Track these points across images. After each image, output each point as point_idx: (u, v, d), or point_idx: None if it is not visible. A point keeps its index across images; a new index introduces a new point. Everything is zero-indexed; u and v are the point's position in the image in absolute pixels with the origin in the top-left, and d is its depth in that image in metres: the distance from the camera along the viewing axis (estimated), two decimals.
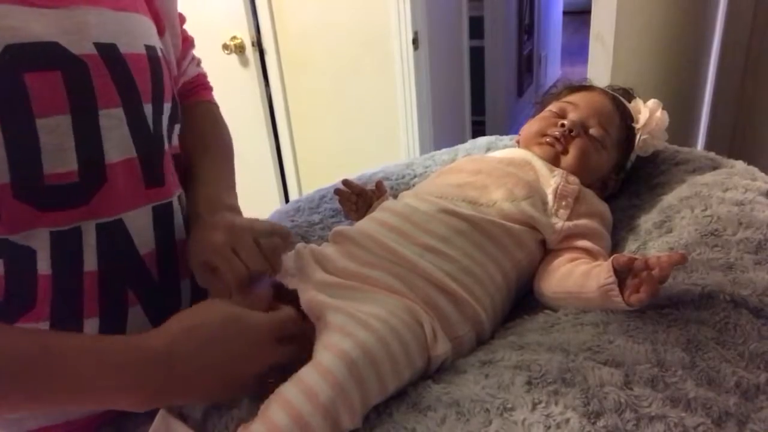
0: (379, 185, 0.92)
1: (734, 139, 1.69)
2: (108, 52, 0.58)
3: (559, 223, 0.75)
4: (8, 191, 0.52)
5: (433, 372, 0.61)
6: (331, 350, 0.54)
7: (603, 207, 0.82)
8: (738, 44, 1.57)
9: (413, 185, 1.00)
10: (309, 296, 0.62)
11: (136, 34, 0.64)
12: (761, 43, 1.55)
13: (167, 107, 0.68)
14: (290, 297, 0.64)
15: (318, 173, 2.38)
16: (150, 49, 0.65)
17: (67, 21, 0.56)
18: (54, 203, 0.55)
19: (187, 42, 0.83)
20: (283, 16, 2.11)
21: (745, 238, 0.67)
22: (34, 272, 0.56)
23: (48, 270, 0.57)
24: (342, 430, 0.53)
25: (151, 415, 0.62)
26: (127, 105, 0.60)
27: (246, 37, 2.10)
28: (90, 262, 0.59)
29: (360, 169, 1.11)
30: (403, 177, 1.05)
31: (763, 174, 0.82)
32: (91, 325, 0.60)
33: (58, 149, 0.54)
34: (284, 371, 0.55)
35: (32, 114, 0.52)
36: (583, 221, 0.76)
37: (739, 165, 0.85)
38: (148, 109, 0.63)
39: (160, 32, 0.70)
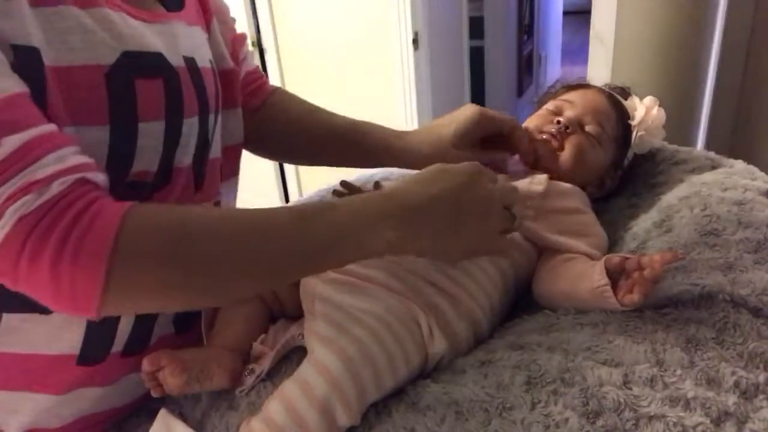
0: (377, 186, 0.92)
1: (734, 139, 1.69)
2: (191, 64, 0.62)
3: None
4: None
5: (432, 371, 0.62)
6: (327, 346, 0.55)
7: (572, 192, 0.80)
8: (738, 44, 1.57)
9: None
10: (309, 280, 0.64)
11: (204, 48, 0.67)
12: (761, 43, 1.55)
13: (219, 119, 0.71)
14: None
15: (318, 173, 2.36)
16: (212, 63, 0.68)
17: (165, 34, 0.59)
18: (120, 198, 0.56)
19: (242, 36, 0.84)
20: (283, 16, 2.11)
21: (745, 238, 0.67)
22: None
23: None
24: (338, 427, 0.53)
25: (151, 415, 0.62)
26: (200, 115, 0.63)
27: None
28: None
29: (360, 169, 1.10)
30: (403, 177, 1.05)
31: (762, 174, 0.82)
32: (124, 324, 0.61)
33: (148, 152, 0.56)
34: None
35: (137, 118, 0.54)
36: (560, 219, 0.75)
37: (739, 164, 0.85)
38: (211, 119, 0.66)
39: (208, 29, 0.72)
